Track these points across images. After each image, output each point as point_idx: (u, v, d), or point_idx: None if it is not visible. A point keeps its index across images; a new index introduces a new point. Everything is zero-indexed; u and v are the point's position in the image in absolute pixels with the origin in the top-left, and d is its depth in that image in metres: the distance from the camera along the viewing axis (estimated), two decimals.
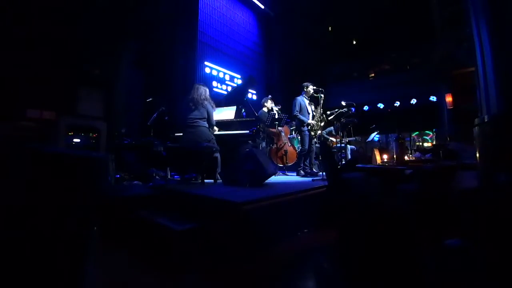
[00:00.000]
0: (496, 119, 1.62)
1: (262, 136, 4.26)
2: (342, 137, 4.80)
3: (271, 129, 4.58)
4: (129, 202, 2.38)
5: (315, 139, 4.30)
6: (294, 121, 4.62)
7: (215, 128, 3.53)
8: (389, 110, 9.94)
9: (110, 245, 2.03)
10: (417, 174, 1.96)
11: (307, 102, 4.40)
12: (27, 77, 4.21)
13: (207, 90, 3.46)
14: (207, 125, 3.32)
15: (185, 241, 1.80)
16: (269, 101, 4.73)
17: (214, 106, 3.46)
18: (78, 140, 4.71)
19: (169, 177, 3.41)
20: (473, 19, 1.85)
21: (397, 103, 9.83)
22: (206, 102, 3.32)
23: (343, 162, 4.72)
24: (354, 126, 5.08)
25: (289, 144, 4.87)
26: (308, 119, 4.27)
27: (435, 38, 8.39)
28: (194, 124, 3.23)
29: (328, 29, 11.00)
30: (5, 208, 0.66)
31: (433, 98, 9.04)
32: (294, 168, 4.62)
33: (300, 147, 4.43)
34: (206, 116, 3.30)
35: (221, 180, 3.15)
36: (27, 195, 0.69)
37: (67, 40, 4.69)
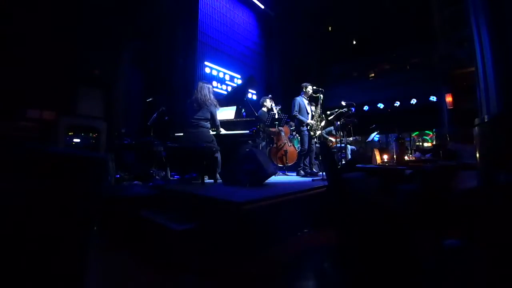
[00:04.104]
0: (496, 119, 1.62)
1: (262, 136, 4.25)
2: (342, 137, 4.80)
3: (271, 129, 4.58)
4: (129, 202, 2.38)
5: (315, 139, 4.30)
6: (294, 121, 4.62)
7: (221, 129, 3.51)
8: (389, 110, 9.93)
9: (110, 245, 2.03)
10: (417, 174, 1.96)
11: (306, 102, 4.40)
12: (27, 77, 4.21)
13: (211, 88, 3.41)
14: (208, 127, 3.30)
15: (185, 241, 1.81)
16: (268, 100, 4.73)
17: (217, 105, 3.42)
18: (78, 140, 4.71)
19: (169, 177, 3.41)
20: (473, 19, 1.85)
21: (397, 103, 9.82)
22: (209, 102, 3.29)
23: (343, 162, 4.72)
24: (354, 126, 5.08)
25: (289, 144, 4.87)
26: (308, 119, 4.27)
27: (435, 38, 8.38)
28: (196, 124, 3.22)
29: (328, 29, 10.99)
30: (5, 208, 0.66)
31: (433, 98, 9.03)
32: (294, 168, 4.62)
33: (300, 147, 4.44)
34: (209, 117, 3.28)
35: (221, 180, 3.14)
36: (27, 195, 0.69)
37: (67, 40, 4.70)
